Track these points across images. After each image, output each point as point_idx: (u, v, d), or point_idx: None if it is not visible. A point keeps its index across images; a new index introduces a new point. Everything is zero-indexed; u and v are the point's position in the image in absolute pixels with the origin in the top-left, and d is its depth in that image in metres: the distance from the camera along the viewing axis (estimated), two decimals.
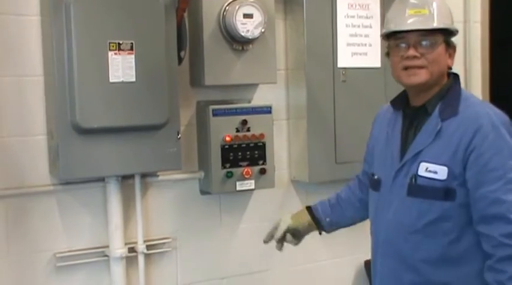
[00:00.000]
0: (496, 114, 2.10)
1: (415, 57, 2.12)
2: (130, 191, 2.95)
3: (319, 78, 3.21)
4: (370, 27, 3.28)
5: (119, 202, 2.89)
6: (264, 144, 3.06)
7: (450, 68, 2.22)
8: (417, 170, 2.12)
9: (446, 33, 2.17)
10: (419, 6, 2.15)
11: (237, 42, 2.95)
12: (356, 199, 2.54)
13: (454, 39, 2.22)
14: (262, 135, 3.05)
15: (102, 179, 2.87)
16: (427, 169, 2.10)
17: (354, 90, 3.26)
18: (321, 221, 2.53)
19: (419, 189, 2.11)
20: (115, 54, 2.63)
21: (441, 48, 2.15)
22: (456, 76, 2.25)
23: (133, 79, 2.66)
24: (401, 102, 2.28)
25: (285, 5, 3.26)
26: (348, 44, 3.24)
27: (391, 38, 2.19)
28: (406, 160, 2.16)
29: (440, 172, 2.07)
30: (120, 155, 2.70)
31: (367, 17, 3.27)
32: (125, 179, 2.92)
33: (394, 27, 2.17)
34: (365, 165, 2.49)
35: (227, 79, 2.97)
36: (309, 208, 2.57)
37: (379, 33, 3.02)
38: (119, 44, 2.63)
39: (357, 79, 3.26)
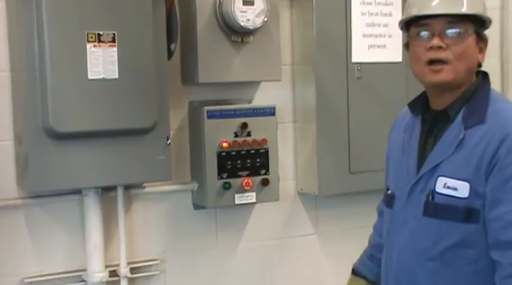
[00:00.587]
0: None
1: (440, 47, 2.06)
2: (112, 205, 2.96)
3: (330, 74, 3.22)
4: (390, 15, 3.28)
5: (99, 218, 2.89)
6: (266, 151, 3.08)
7: (480, 65, 2.16)
8: (435, 186, 2.07)
9: (478, 23, 2.10)
10: None
11: (236, 34, 2.97)
12: None
13: (486, 32, 2.15)
14: (264, 141, 3.07)
15: (79, 192, 2.87)
16: (445, 184, 2.05)
17: (370, 88, 3.26)
18: (376, 280, 2.46)
19: (437, 208, 2.07)
20: (94, 46, 2.63)
21: (471, 40, 2.08)
22: (485, 75, 2.18)
23: (116, 76, 2.66)
24: (420, 105, 2.23)
25: None
26: (364, 35, 3.23)
27: (413, 25, 2.13)
28: (423, 174, 2.11)
29: (461, 189, 2.03)
30: (100, 163, 2.71)
31: (386, 4, 3.28)
32: (106, 191, 2.93)
33: (416, 11, 2.10)
34: (386, 181, 2.39)
35: (224, 76, 3.00)
36: (356, 272, 2.53)
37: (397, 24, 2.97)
38: (98, 34, 2.63)
39: (375, 75, 3.26)
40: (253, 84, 3.21)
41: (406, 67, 2.97)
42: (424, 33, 2.09)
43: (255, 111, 3.06)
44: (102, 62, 2.63)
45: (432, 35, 2.07)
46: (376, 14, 3.26)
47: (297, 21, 3.28)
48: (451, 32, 2.06)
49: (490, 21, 2.13)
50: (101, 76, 2.64)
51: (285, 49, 3.25)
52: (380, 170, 2.52)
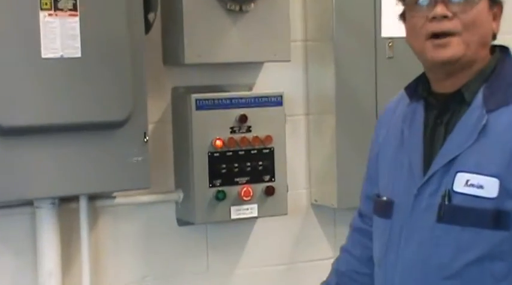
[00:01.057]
0: None
1: (444, 17, 2.06)
2: (73, 220, 2.95)
3: (354, 53, 3.21)
4: None
5: (55, 236, 2.88)
6: (271, 151, 3.09)
7: (495, 37, 2.17)
8: (452, 184, 2.07)
9: None
10: None
11: (233, 0, 2.98)
12: (364, 261, 2.46)
13: None
14: (269, 138, 3.08)
15: (30, 203, 2.88)
16: (467, 182, 2.05)
17: (405, 71, 2.97)
18: None
19: (457, 212, 2.07)
20: (49, 15, 2.64)
21: (483, 5, 2.09)
22: (505, 49, 2.19)
23: (78, 55, 2.69)
24: (422, 88, 2.24)
25: None
26: (398, 3, 3.12)
27: None
28: (435, 171, 2.11)
29: (488, 187, 2.03)
30: (57, 167, 2.72)
31: None
32: (65, 202, 2.94)
33: None
34: (367, 187, 2.44)
35: (217, 56, 3.02)
36: None
37: None
38: (54, 0, 2.65)
39: (410, 55, 3.01)
40: (254, 66, 3.23)
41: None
42: (424, 0, 2.11)
43: (256, 100, 3.08)
44: (60, 36, 2.66)
45: (435, 2, 2.07)
46: None
47: None
48: None
49: None
50: (58, 55, 2.67)
51: (296, 21, 3.26)
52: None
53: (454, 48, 2.06)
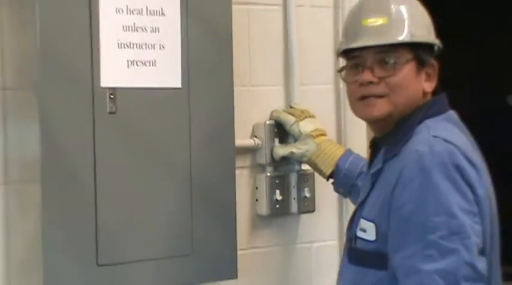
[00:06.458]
0: (436, 152, 2.26)
1: (370, 82, 2.38)
2: None
3: (64, 106, 2.83)
4: (162, 13, 2.97)
5: None
6: None
7: (435, 92, 2.47)
8: (357, 228, 2.43)
9: (420, 47, 2.40)
10: (376, 13, 2.41)
11: None
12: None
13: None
14: None
15: None
16: (361, 227, 2.40)
17: (132, 129, 2.93)
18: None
19: (356, 253, 2.43)
20: None
21: (409, 69, 2.39)
22: (435, 99, 2.46)
23: None
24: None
25: None
26: (121, 45, 2.90)
27: (345, 55, 2.49)
28: (353, 216, 2.52)
29: (369, 231, 2.36)
30: None
31: None
32: None
33: (344, 43, 2.47)
34: None
35: None
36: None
37: (178, 25, 2.95)
38: None
39: (138, 109, 2.95)
40: None
41: (189, 96, 3.00)
42: (356, 66, 2.44)
43: None
44: None
45: (362, 69, 2.41)
46: (140, 12, 2.94)
47: (9, 18, 2.90)
48: (383, 62, 2.39)
49: (437, 45, 2.46)
50: None
51: None
52: (141, 261, 2.71)
53: (380, 109, 2.38)
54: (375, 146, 2.55)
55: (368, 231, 2.34)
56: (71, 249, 2.79)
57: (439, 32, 2.56)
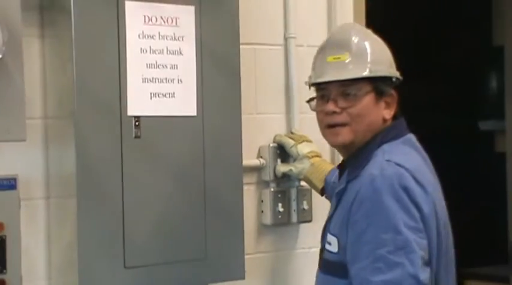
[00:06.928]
0: (386, 175, 2.44)
1: (334, 112, 2.56)
2: None
3: (97, 132, 3.00)
4: (180, 53, 3.14)
5: None
6: (3, 240, 2.86)
7: (395, 117, 2.63)
8: (325, 241, 2.62)
9: (378, 79, 2.56)
10: (339, 50, 2.57)
11: None
12: None
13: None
14: (0, 226, 2.85)
15: None
16: (328, 240, 2.60)
17: (154, 151, 3.11)
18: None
19: (325, 263, 2.63)
20: None
21: (368, 99, 2.56)
22: (395, 124, 2.63)
23: None
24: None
25: (42, 13, 3.11)
26: (145, 80, 3.08)
27: (316, 87, 2.65)
28: (324, 228, 2.68)
29: (333, 243, 2.56)
30: None
31: (174, 38, 3.13)
32: None
33: (313, 78, 2.64)
34: None
35: None
36: None
37: (193, 63, 3.12)
38: None
39: (159, 134, 3.13)
40: None
41: (203, 123, 3.14)
42: (322, 97, 2.63)
43: None
44: None
45: (327, 100, 2.59)
46: (161, 51, 3.11)
47: (50, 58, 3.11)
48: (345, 94, 2.55)
49: (395, 78, 2.60)
50: None
51: (34, 97, 3.08)
52: (163, 264, 2.87)
53: (344, 136, 2.58)
54: (343, 167, 2.71)
55: (332, 244, 2.52)
56: (102, 254, 2.97)
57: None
